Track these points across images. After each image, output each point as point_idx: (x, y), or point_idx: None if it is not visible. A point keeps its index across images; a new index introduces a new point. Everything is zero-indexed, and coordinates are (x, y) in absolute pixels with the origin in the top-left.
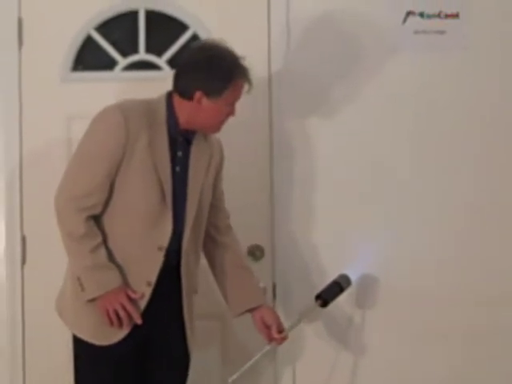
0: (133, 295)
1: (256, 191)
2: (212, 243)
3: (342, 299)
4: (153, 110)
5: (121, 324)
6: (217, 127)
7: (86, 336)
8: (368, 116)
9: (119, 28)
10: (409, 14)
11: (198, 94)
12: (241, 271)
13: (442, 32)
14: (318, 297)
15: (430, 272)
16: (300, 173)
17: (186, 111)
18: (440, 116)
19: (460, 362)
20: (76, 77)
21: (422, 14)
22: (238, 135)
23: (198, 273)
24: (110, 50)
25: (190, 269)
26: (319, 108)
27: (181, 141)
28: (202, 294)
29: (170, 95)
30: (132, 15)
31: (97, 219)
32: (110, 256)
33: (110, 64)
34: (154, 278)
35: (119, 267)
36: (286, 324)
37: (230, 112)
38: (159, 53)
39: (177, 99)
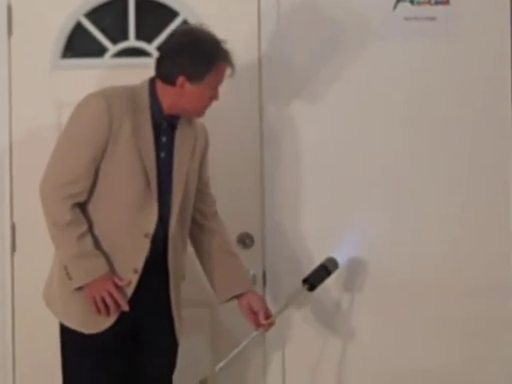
0: (120, 283)
1: (246, 179)
2: (199, 229)
3: (330, 282)
4: (136, 96)
5: (108, 312)
6: (200, 111)
7: (73, 324)
8: (360, 102)
9: (109, 15)
10: (399, 0)
11: (180, 79)
12: (228, 257)
13: (432, 18)
14: (305, 281)
15: (418, 256)
16: (290, 160)
17: (169, 96)
18: (431, 102)
19: (447, 345)
20: (66, 64)
21: (412, 1)
22: (227, 122)
23: (185, 259)
24: (99, 36)
25: (176, 255)
26: (311, 94)
27: (165, 126)
28: (190, 281)
29: (152, 81)
30: (122, 2)
31: (82, 207)
32: (96, 244)
33: (100, 51)
34: (140, 265)
35: (105, 255)
36: (274, 311)
37: (213, 96)
38: (149, 39)
39: (159, 85)
